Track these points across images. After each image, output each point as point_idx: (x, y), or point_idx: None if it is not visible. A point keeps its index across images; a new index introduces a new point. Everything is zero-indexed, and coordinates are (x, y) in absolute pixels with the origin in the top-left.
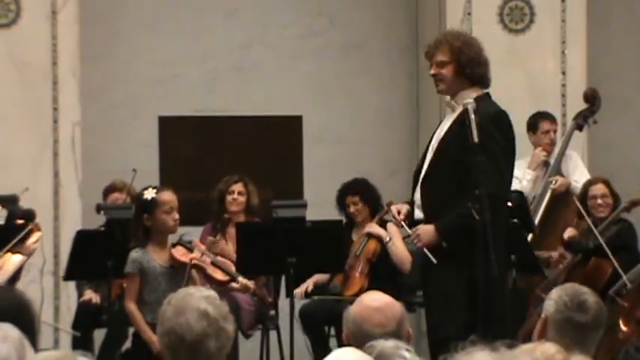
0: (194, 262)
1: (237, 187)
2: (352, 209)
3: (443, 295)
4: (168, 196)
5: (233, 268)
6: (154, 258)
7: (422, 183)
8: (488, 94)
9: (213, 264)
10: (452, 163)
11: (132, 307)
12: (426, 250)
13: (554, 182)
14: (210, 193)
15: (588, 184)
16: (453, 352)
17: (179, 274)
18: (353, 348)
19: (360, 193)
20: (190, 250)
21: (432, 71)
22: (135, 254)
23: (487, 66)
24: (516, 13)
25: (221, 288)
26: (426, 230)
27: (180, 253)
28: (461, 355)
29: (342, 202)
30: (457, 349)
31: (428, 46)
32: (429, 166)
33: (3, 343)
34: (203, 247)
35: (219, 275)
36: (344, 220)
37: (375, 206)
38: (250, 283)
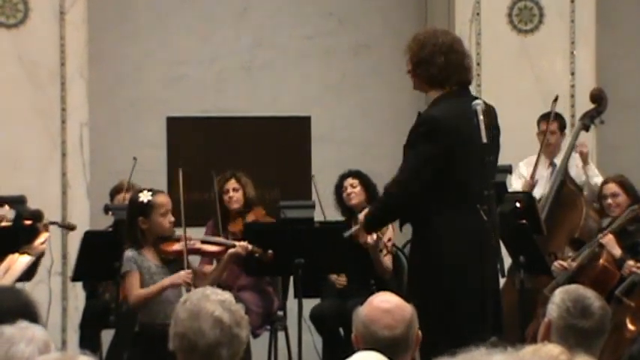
0: (189, 246)
1: (231, 184)
2: (349, 190)
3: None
4: (164, 199)
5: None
6: (148, 258)
7: None
8: (443, 95)
9: (203, 242)
10: None
11: (136, 293)
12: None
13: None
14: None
15: (603, 183)
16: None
17: (174, 269)
18: (375, 352)
19: (360, 178)
20: (177, 240)
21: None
22: (130, 253)
23: (444, 66)
24: (525, 13)
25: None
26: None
27: (170, 245)
28: (480, 355)
29: (340, 187)
30: (478, 349)
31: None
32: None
33: (27, 345)
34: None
35: (215, 248)
36: (341, 216)
37: (372, 197)
38: (246, 243)
